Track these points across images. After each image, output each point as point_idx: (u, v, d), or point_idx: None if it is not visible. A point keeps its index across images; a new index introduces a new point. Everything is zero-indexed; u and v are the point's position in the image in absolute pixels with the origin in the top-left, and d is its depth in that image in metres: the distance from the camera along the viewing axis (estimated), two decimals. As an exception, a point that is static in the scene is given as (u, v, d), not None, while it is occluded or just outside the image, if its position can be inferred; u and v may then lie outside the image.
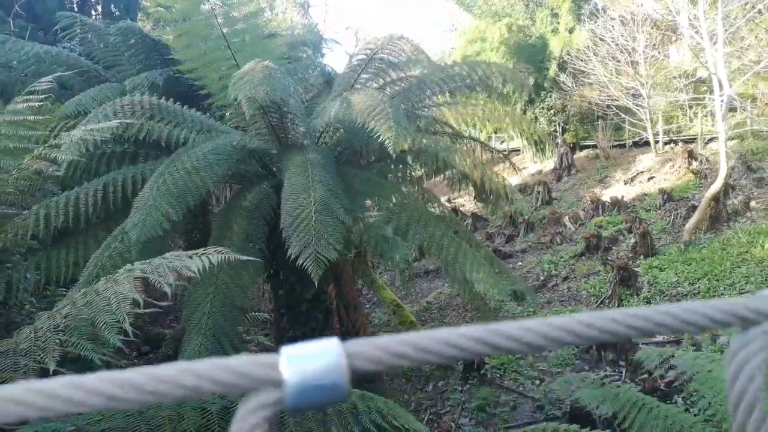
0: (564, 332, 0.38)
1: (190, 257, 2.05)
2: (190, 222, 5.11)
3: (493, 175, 6.55)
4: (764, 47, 9.27)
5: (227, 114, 5.06)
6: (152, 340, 8.18)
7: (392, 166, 6.46)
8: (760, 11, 10.04)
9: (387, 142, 3.56)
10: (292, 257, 3.26)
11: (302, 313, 4.56)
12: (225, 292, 3.63)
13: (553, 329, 0.38)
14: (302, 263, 3.20)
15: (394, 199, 4.57)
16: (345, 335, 4.88)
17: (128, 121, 3.79)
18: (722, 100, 8.73)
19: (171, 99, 4.62)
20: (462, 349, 0.37)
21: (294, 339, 5.53)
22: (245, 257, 2.48)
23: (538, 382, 8.07)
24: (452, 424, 7.58)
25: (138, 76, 6.15)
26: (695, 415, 4.69)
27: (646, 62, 16.47)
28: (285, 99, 4.06)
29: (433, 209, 6.91)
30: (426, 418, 7.90)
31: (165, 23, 8.82)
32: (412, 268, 15.29)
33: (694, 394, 4.14)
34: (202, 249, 2.19)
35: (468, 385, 8.37)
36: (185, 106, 4.53)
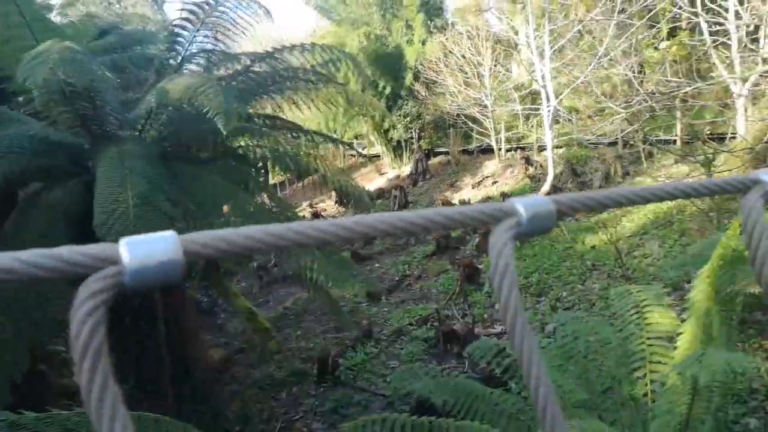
0: (365, 227, 0.44)
1: None
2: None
3: (345, 180, 6.53)
4: (585, 65, 10.47)
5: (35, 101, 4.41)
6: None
7: (247, 167, 6.09)
8: (580, 32, 11.33)
9: (217, 118, 3.36)
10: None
11: (123, 324, 4.12)
12: (15, 306, 3.14)
13: (357, 224, 0.43)
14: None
15: (232, 202, 4.25)
16: (173, 346, 4.52)
17: None
18: (549, 111, 9.66)
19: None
20: (282, 238, 0.41)
21: (117, 355, 5.02)
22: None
23: (389, 379, 8.24)
24: (304, 429, 7.45)
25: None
26: (524, 398, 5.01)
27: (490, 75, 17.79)
28: (97, 87, 3.66)
29: (286, 214, 6.70)
30: (278, 427, 7.69)
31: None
32: (268, 274, 14.94)
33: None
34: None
35: (322, 389, 8.30)
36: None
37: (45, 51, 3.35)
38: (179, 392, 4.44)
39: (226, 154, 5.23)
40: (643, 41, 15.74)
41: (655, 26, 13.53)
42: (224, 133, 3.39)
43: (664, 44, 15.90)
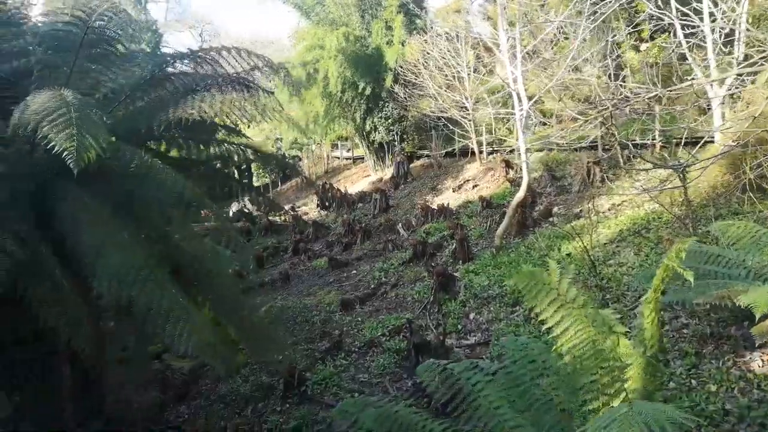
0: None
1: None
2: None
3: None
4: (560, 68, 10.25)
5: None
6: None
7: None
8: (556, 34, 11.13)
9: (66, 154, 3.00)
10: None
11: (16, 359, 3.77)
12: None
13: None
14: None
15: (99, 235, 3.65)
16: (80, 382, 4.16)
17: None
18: (521, 114, 9.44)
19: None
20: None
21: (9, 392, 4.60)
22: None
23: (357, 394, 7.95)
24: (266, 449, 7.15)
25: None
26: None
27: (469, 77, 17.55)
28: None
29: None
30: (240, 445, 7.39)
31: None
32: (243, 282, 14.59)
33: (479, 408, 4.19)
34: None
35: (288, 405, 8.00)
36: None
37: None
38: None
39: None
40: (623, 43, 15.59)
41: (633, 28, 13.38)
42: (75, 170, 2.97)
43: (644, 46, 15.76)
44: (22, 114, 3.30)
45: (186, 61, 5.26)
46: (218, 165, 8.43)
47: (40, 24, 4.79)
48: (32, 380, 3.79)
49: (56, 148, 2.98)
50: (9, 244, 2.95)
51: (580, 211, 11.62)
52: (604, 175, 11.94)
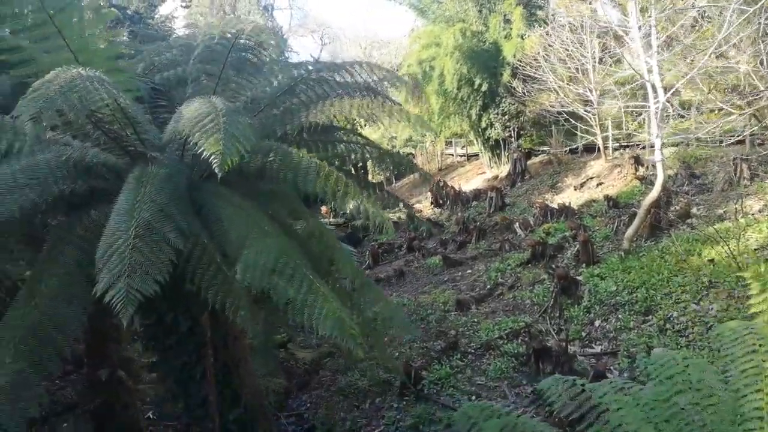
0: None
1: None
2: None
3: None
4: (702, 55, 9.27)
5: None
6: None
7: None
8: (697, 19, 10.09)
9: (213, 158, 3.17)
10: (98, 294, 2.86)
11: (170, 348, 4.13)
12: (35, 329, 3.15)
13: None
14: (110, 301, 2.79)
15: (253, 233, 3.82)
16: (221, 372, 4.47)
17: None
18: (657, 107, 8.67)
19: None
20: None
21: (164, 378, 5.08)
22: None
23: (474, 397, 7.82)
24: (384, 444, 7.26)
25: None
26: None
27: (594, 69, 16.54)
28: (124, 106, 3.65)
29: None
30: (360, 439, 7.57)
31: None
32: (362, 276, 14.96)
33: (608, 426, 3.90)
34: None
35: (404, 402, 8.06)
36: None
37: (46, 83, 3.32)
38: (226, 419, 4.40)
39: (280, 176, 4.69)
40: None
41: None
42: (219, 173, 3.13)
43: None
44: (176, 123, 3.62)
45: (317, 70, 5.48)
46: (337, 163, 8.74)
47: (185, 39, 5.28)
48: (184, 369, 4.18)
49: (204, 153, 3.21)
50: (172, 236, 3.24)
51: (725, 212, 10.48)
52: (755, 172, 10.65)
